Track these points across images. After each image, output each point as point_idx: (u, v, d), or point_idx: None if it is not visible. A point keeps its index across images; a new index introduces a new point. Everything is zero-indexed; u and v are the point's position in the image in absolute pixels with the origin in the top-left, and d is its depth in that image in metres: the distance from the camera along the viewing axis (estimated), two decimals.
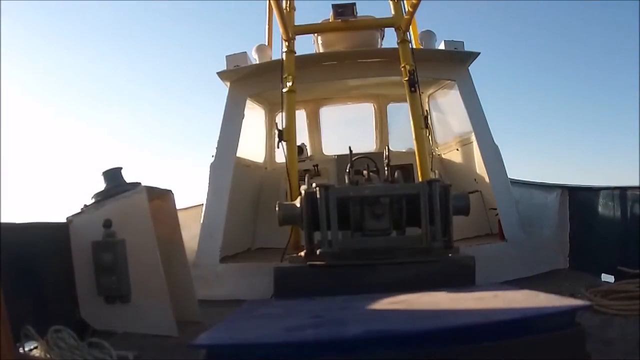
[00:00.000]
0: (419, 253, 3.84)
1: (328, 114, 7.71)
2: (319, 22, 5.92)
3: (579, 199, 5.33)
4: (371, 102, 7.62)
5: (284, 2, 5.38)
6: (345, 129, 8.18)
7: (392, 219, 3.90)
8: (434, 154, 6.88)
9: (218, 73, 5.74)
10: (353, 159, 4.88)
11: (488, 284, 3.58)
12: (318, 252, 3.78)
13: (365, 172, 4.81)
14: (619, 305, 3.42)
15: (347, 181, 4.53)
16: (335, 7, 5.50)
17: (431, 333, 2.18)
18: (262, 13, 7.08)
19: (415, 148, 5.19)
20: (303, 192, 3.88)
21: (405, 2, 5.46)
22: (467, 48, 5.68)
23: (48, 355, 2.84)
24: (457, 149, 6.69)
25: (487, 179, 5.57)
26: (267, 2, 6.59)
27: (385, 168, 4.85)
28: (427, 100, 7.12)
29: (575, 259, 5.29)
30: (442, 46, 5.77)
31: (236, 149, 5.64)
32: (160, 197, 4.10)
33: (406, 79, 5.04)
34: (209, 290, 4.63)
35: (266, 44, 6.68)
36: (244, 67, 5.70)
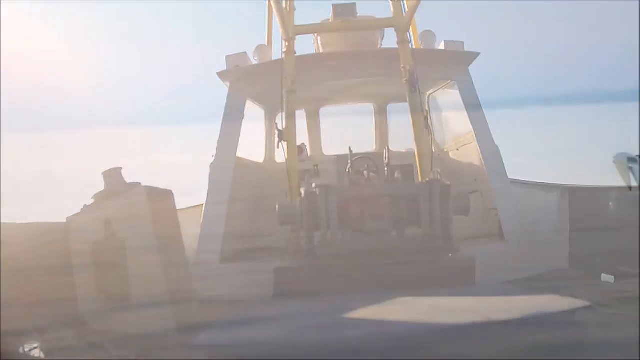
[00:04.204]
0: (419, 253, 3.84)
1: (328, 114, 7.70)
2: (319, 22, 5.92)
3: (579, 199, 5.32)
4: (371, 102, 7.62)
5: (284, 2, 5.38)
6: (345, 129, 8.17)
7: (392, 219, 3.90)
8: (434, 154, 6.87)
9: (218, 73, 5.74)
10: (353, 159, 4.88)
11: (488, 284, 3.58)
12: (318, 252, 3.78)
13: (365, 172, 4.80)
14: (619, 305, 3.41)
15: (347, 181, 4.53)
16: (335, 7, 5.51)
17: (431, 333, 2.18)
18: (262, 13, 7.09)
19: (415, 148, 5.18)
20: (303, 192, 3.88)
21: (405, 2, 5.46)
22: (467, 48, 5.69)
23: (48, 356, 2.84)
24: (457, 149, 6.69)
25: (487, 179, 5.57)
26: (267, 2, 6.58)
27: (385, 168, 4.85)
28: (427, 100, 7.11)
29: (575, 259, 5.29)
30: (442, 46, 5.77)
31: (236, 149, 5.63)
32: (160, 197, 4.10)
33: (406, 79, 5.04)
34: (209, 290, 4.62)
35: (266, 44, 6.67)
36: (244, 67, 5.70)
